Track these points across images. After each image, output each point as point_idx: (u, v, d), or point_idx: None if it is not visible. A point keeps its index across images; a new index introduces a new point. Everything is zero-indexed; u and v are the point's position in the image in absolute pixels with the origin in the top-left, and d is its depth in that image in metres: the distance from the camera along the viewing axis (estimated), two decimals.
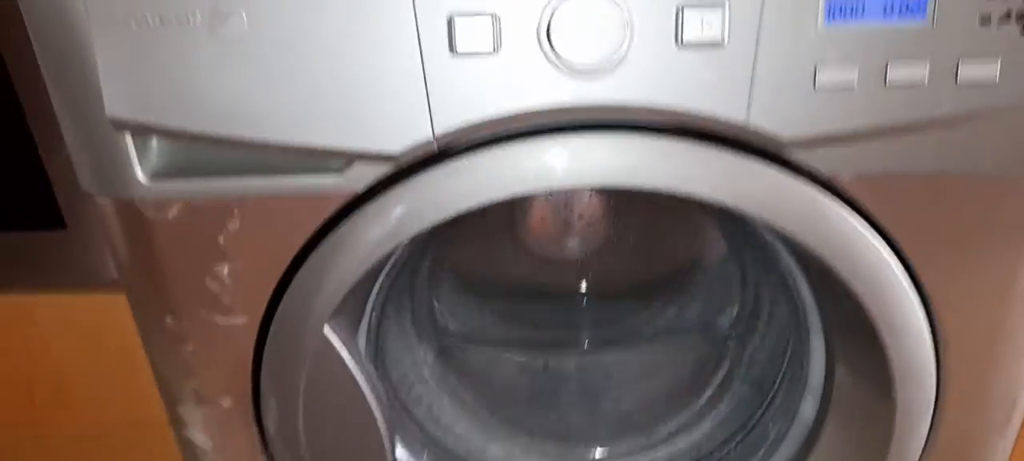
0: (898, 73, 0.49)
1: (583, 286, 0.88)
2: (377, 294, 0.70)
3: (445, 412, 0.84)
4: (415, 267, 0.79)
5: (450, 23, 0.49)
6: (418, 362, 0.83)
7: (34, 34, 0.53)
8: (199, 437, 0.71)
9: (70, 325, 0.75)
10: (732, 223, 0.74)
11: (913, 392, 0.61)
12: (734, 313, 0.83)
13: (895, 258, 0.56)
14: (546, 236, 0.81)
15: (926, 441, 0.65)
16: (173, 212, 0.58)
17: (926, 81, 0.49)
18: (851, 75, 0.49)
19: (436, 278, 0.85)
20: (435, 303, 0.86)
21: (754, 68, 0.49)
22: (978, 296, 0.58)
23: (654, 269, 0.88)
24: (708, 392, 0.84)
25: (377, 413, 0.64)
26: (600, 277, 0.87)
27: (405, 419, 0.80)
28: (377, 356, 0.75)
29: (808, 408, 0.71)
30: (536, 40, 0.49)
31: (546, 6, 0.48)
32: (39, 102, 0.63)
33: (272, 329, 0.62)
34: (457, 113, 0.52)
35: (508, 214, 0.81)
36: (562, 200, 0.78)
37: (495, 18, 0.49)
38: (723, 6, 0.48)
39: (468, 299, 0.88)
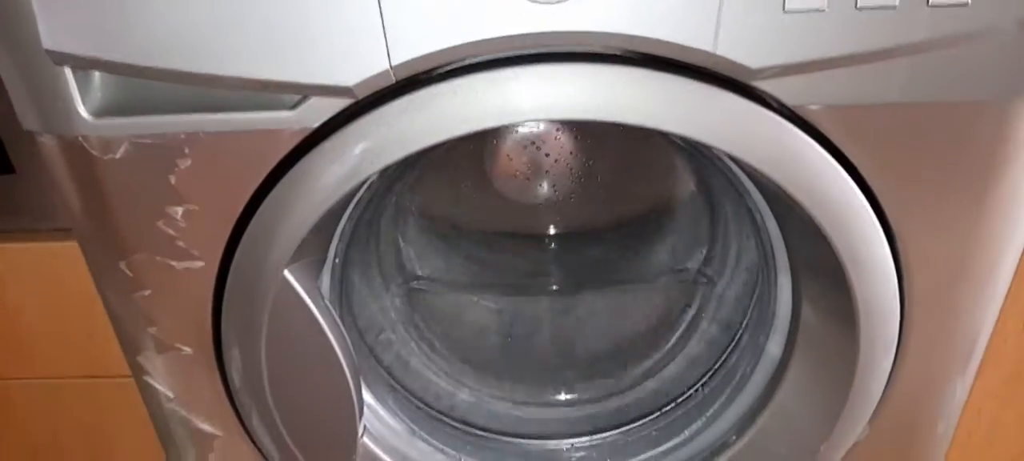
0: None
1: (552, 229, 0.87)
2: (341, 236, 0.68)
3: (413, 357, 0.83)
4: (380, 208, 0.77)
5: None
6: (385, 307, 0.82)
7: None
8: (161, 385, 0.70)
9: (24, 271, 0.72)
10: (701, 161, 0.73)
11: (877, 328, 0.61)
12: (703, 253, 0.82)
13: (861, 192, 0.54)
14: (513, 175, 0.79)
15: (888, 378, 0.65)
16: (120, 151, 0.55)
17: (898, 3, 0.47)
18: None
19: (402, 220, 0.84)
20: (401, 246, 0.84)
21: None
22: (943, 231, 0.57)
23: (623, 210, 0.86)
24: (677, 333, 0.83)
25: (342, 358, 0.63)
26: (569, 219, 0.86)
27: (373, 364, 0.79)
28: (343, 300, 0.73)
29: (774, 347, 0.70)
30: None
31: None
32: None
33: (231, 273, 0.60)
34: (415, 42, 0.49)
35: (474, 152, 0.79)
36: (528, 137, 0.76)
37: None
38: None
39: (435, 242, 0.87)
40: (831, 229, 0.55)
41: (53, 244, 0.70)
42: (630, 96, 0.51)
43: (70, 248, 0.69)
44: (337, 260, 0.69)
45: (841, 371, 0.63)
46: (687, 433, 0.77)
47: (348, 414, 0.66)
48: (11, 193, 0.69)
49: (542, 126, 0.75)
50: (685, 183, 0.82)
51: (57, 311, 0.75)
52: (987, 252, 0.60)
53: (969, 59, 0.50)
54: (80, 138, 0.55)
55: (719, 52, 0.49)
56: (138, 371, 0.69)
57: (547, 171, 0.78)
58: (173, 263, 0.60)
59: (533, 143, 0.76)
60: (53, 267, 0.72)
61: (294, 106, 0.53)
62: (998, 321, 0.75)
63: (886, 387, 0.65)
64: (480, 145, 0.77)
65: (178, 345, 0.66)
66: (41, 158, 0.60)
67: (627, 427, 0.82)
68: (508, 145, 0.76)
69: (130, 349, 0.68)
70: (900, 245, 0.58)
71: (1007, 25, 0.48)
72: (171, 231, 0.59)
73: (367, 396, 0.75)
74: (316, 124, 0.53)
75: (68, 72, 0.52)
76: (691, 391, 0.81)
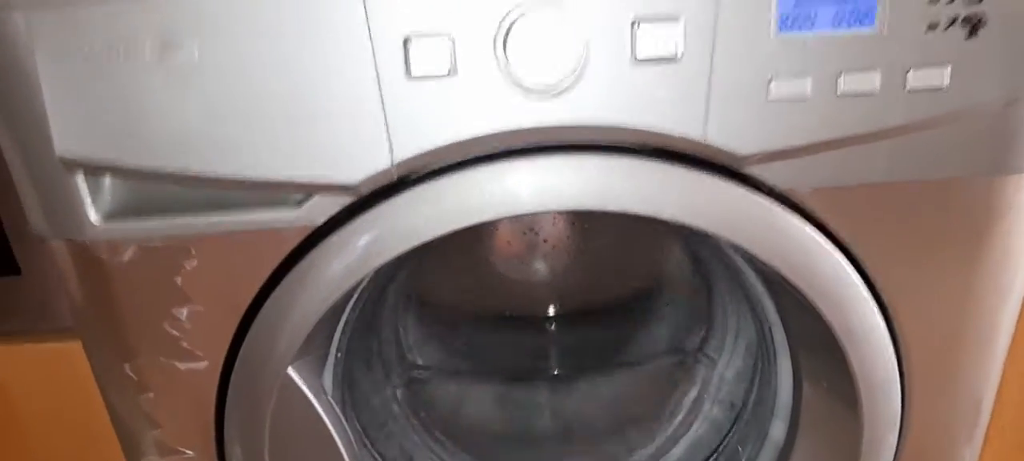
0: (850, 83, 0.49)
1: (550, 311, 0.88)
2: (342, 331, 0.68)
3: (416, 450, 0.82)
4: (379, 300, 0.78)
5: (405, 45, 0.49)
6: (387, 399, 0.81)
7: None
8: None
9: (27, 372, 0.72)
10: (697, 243, 0.74)
11: (878, 403, 0.61)
12: (703, 333, 0.83)
13: (853, 268, 0.56)
14: (511, 261, 0.80)
15: (895, 454, 0.65)
16: (128, 254, 0.56)
17: (878, 89, 0.49)
18: (804, 86, 0.49)
19: (401, 311, 0.84)
20: (401, 336, 0.84)
21: (710, 82, 0.50)
22: (936, 301, 0.59)
23: (622, 292, 0.87)
24: (680, 416, 0.83)
25: (345, 455, 0.62)
26: (568, 303, 0.87)
27: (377, 458, 0.78)
28: (344, 395, 0.73)
29: (778, 429, 0.70)
30: (493, 61, 0.49)
31: (501, 25, 0.48)
32: None
33: (235, 373, 0.61)
34: (416, 139, 0.51)
35: (472, 240, 0.80)
36: (526, 224, 0.77)
37: (451, 39, 0.49)
38: (678, 20, 0.48)
39: (435, 331, 0.87)
40: (825, 306, 0.57)
41: (56, 345, 0.70)
42: (626, 185, 0.52)
43: (73, 349, 0.69)
44: (339, 354, 0.69)
45: (846, 449, 0.63)
46: None
47: None
48: (16, 294, 0.69)
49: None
50: (682, 264, 0.83)
51: (59, 412, 0.74)
52: (982, 318, 0.61)
53: (949, 138, 0.52)
54: (89, 242, 0.56)
55: (709, 140, 0.51)
56: None
57: (544, 255, 0.80)
58: (177, 364, 0.61)
59: (531, 229, 0.77)
60: (56, 368, 0.71)
61: (299, 204, 0.54)
62: (1001, 389, 0.75)
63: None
64: (478, 233, 0.79)
65: (181, 448, 0.65)
66: (49, 260, 0.61)
67: None
68: (505, 231, 0.78)
69: (132, 453, 0.68)
70: (894, 317, 0.59)
71: (982, 106, 0.50)
72: (176, 332, 0.59)
73: None
74: (321, 221, 0.55)
75: (80, 177, 0.53)
76: None
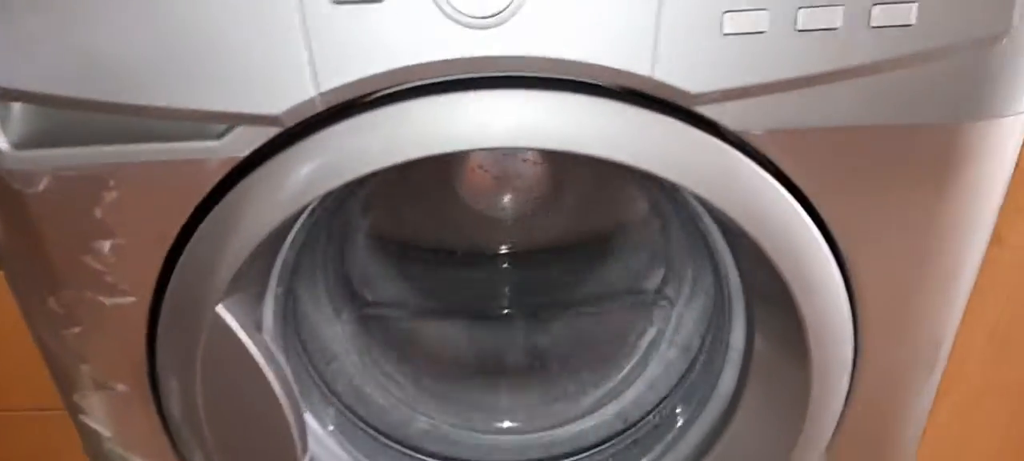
0: (810, 18, 0.46)
1: (505, 250, 0.85)
2: (284, 266, 0.66)
3: (367, 385, 0.81)
4: (328, 234, 0.75)
5: None
6: (337, 334, 0.80)
7: None
8: (98, 424, 0.67)
9: None
10: (654, 183, 0.71)
11: (829, 352, 0.59)
12: (661, 275, 0.81)
13: (808, 215, 0.53)
14: (463, 197, 0.77)
15: (845, 402, 0.63)
16: (43, 184, 0.53)
17: (840, 25, 0.46)
18: (761, 20, 0.46)
19: (351, 245, 0.82)
20: (352, 272, 0.82)
21: (659, 15, 0.46)
22: (895, 250, 0.56)
23: (578, 231, 0.85)
24: (636, 356, 0.81)
25: (280, 393, 0.61)
26: (523, 241, 0.84)
27: (325, 393, 0.77)
28: (288, 330, 0.71)
29: (728, 375, 0.69)
30: None
31: None
32: None
33: (163, 309, 0.58)
34: (341, 68, 0.47)
35: (422, 173, 0.77)
36: (477, 160, 0.74)
37: None
38: None
39: (387, 267, 0.85)
40: (777, 254, 0.54)
41: None
42: (567, 122, 0.49)
43: None
44: (280, 290, 0.67)
45: (794, 399, 0.62)
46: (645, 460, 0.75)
47: (288, 449, 0.63)
48: None
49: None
50: (640, 205, 0.80)
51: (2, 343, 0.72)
52: (942, 268, 0.59)
53: (915, 82, 0.48)
54: (2, 172, 0.52)
55: (657, 76, 0.47)
56: (74, 410, 0.67)
57: (497, 192, 0.76)
58: (103, 299, 0.58)
59: (481, 166, 0.74)
60: None
61: (221, 136, 0.51)
62: (962, 334, 0.74)
63: (842, 412, 0.64)
64: (426, 167, 0.75)
65: (113, 383, 0.64)
66: None
67: (587, 453, 0.80)
68: (455, 166, 0.74)
69: (65, 387, 0.66)
70: (850, 266, 0.57)
71: (952, 46, 0.47)
72: (99, 266, 0.56)
73: (316, 426, 0.73)
74: (244, 153, 0.51)
75: None
76: (649, 416, 0.79)
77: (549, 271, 0.85)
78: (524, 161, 0.75)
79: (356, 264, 0.82)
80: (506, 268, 0.85)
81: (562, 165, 0.77)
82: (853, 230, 0.55)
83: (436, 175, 0.78)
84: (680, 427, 0.73)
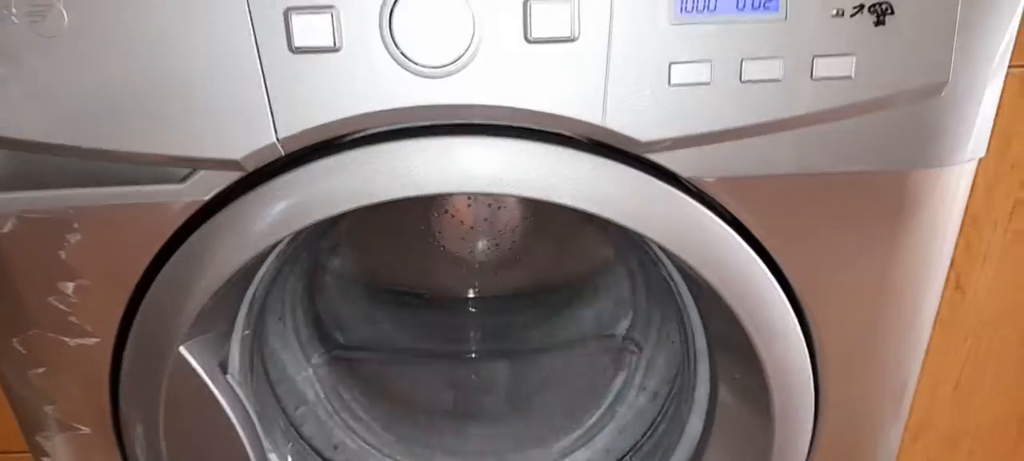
0: (754, 70, 0.47)
1: (473, 294, 0.86)
2: (251, 306, 0.66)
3: (337, 428, 0.81)
4: (295, 275, 0.76)
5: (287, 17, 0.46)
6: (308, 377, 0.80)
7: None
8: None
9: None
10: (620, 231, 0.72)
11: (791, 398, 0.60)
12: (629, 320, 0.81)
13: (762, 261, 0.54)
14: (432, 242, 0.78)
15: (811, 444, 0.64)
16: (8, 226, 0.54)
17: (782, 77, 0.47)
18: (705, 72, 0.47)
19: (319, 287, 0.82)
20: (320, 314, 0.82)
21: (607, 65, 0.47)
22: (851, 294, 0.57)
23: (545, 275, 0.85)
24: (606, 401, 0.82)
25: (243, 437, 0.61)
26: (493, 285, 0.85)
27: (293, 435, 0.76)
28: (256, 372, 0.71)
29: (694, 423, 0.69)
30: (379, 36, 0.47)
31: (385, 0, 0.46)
32: None
33: (127, 350, 0.59)
34: (300, 115, 0.49)
35: (391, 220, 0.78)
36: (442, 205, 0.75)
37: (334, 12, 0.46)
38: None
39: (355, 309, 0.85)
40: (734, 300, 0.55)
41: None
42: (521, 168, 0.50)
43: None
44: (247, 332, 0.67)
45: (759, 448, 0.62)
46: None
47: None
48: None
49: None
50: (607, 251, 0.81)
51: None
52: (899, 311, 0.60)
53: (859, 130, 0.50)
54: None
55: (607, 125, 0.49)
56: (37, 451, 0.66)
57: (466, 235, 0.77)
58: (66, 340, 0.58)
59: (447, 210, 0.75)
60: None
61: (183, 179, 0.52)
62: (928, 384, 0.75)
63: (809, 455, 0.64)
64: (396, 209, 0.76)
65: (76, 424, 0.64)
66: None
67: None
68: (424, 210, 0.76)
69: (28, 428, 0.66)
70: (807, 311, 0.58)
71: (891, 97, 0.48)
72: (63, 307, 0.57)
73: None
74: (207, 197, 0.52)
75: None
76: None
77: (519, 317, 0.85)
78: (490, 206, 0.76)
79: (326, 306, 0.83)
80: (475, 312, 0.86)
81: (530, 211, 0.78)
82: (809, 276, 0.56)
83: (405, 218, 0.79)
84: None
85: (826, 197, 0.53)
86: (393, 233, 0.80)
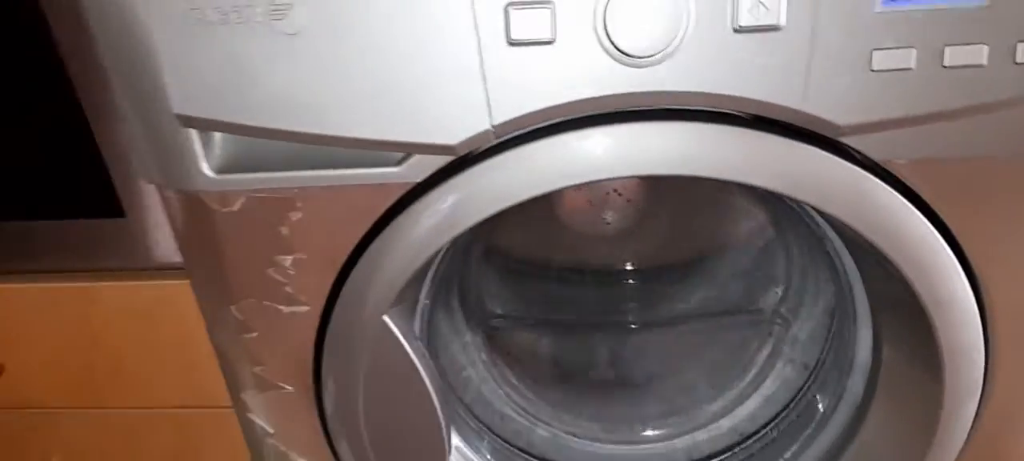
0: (956, 56, 0.49)
1: (628, 266, 0.89)
2: (431, 281, 0.71)
3: (493, 395, 0.86)
4: (464, 252, 0.81)
5: (507, 13, 0.50)
6: (467, 345, 0.85)
7: (98, 32, 0.55)
8: (262, 420, 0.73)
9: (129, 310, 0.77)
10: (778, 203, 0.74)
11: (962, 370, 0.62)
12: (779, 293, 0.83)
13: (944, 239, 0.56)
14: (592, 217, 0.82)
15: (974, 419, 0.65)
16: (238, 204, 0.59)
17: (985, 63, 0.49)
18: (908, 58, 0.49)
19: (484, 262, 0.87)
20: (483, 286, 0.87)
21: (811, 52, 0.50)
22: None
23: (698, 248, 0.88)
24: (751, 372, 0.84)
25: (435, 398, 0.66)
26: (644, 257, 0.88)
27: (454, 403, 0.82)
28: (429, 341, 0.76)
29: (856, 385, 0.71)
30: (592, 29, 0.50)
31: None
32: (95, 96, 0.65)
33: (333, 317, 0.64)
34: (515, 103, 0.52)
35: (556, 196, 0.82)
36: (610, 182, 0.78)
37: (552, 7, 0.50)
38: None
39: (514, 282, 0.89)
40: (915, 277, 0.57)
41: (156, 284, 0.75)
42: (721, 152, 0.53)
43: (171, 288, 0.75)
44: (426, 302, 0.72)
45: (925, 413, 0.64)
46: None
47: (438, 451, 0.69)
48: (121, 235, 0.74)
49: None
50: (763, 225, 0.84)
51: (159, 346, 0.79)
52: None
53: None
54: (200, 193, 0.59)
55: (807, 110, 0.51)
56: (241, 407, 0.73)
57: (624, 211, 0.80)
58: (281, 307, 0.64)
59: (614, 188, 0.78)
60: (156, 305, 0.76)
61: (400, 162, 0.56)
62: None
63: (971, 429, 0.66)
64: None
65: (280, 384, 0.70)
66: (150, 203, 0.68)
67: None
68: (587, 188, 0.79)
69: (234, 387, 0.72)
70: (984, 291, 0.59)
71: None
72: (280, 278, 0.63)
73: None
74: (420, 178, 0.57)
75: (194, 133, 0.57)
76: (765, 430, 0.82)
77: (669, 288, 0.89)
78: (653, 183, 0.79)
79: (488, 279, 0.87)
80: (628, 284, 0.89)
81: (688, 186, 0.81)
82: (988, 254, 0.57)
83: (568, 196, 0.82)
84: (804, 440, 0.76)
85: (1011, 180, 0.54)
86: (552, 209, 0.83)
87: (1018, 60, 0.49)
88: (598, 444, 0.88)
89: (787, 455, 0.77)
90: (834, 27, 0.49)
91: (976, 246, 0.57)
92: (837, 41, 0.49)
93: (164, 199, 0.64)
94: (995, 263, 0.58)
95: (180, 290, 0.74)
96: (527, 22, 0.50)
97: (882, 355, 0.68)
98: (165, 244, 0.73)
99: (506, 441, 0.84)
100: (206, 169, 0.58)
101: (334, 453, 0.73)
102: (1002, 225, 0.56)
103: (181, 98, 0.54)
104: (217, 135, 0.59)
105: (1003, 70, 0.49)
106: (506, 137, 0.55)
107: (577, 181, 0.54)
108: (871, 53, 0.49)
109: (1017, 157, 0.52)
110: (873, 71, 0.50)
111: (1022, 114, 0.51)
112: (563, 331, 0.90)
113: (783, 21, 0.49)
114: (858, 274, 0.68)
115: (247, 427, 0.75)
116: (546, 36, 0.50)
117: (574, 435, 0.87)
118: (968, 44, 0.48)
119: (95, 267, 0.76)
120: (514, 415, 0.86)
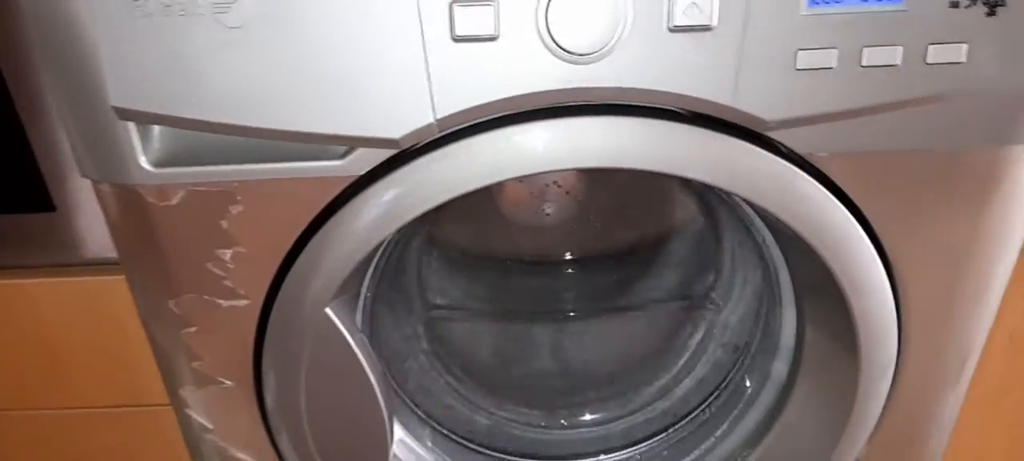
0: (874, 56, 0.52)
1: (567, 257, 0.91)
2: (373, 273, 0.72)
3: (433, 386, 0.87)
4: (405, 244, 0.81)
5: (451, 9, 0.51)
6: (408, 337, 0.86)
7: (32, 21, 0.53)
8: (201, 416, 0.73)
9: (62, 304, 0.75)
10: (709, 193, 0.78)
11: (876, 351, 0.66)
12: (710, 280, 0.87)
13: (862, 227, 0.59)
14: (530, 208, 0.83)
15: (888, 396, 0.70)
16: (176, 199, 0.59)
17: (899, 63, 0.52)
18: (830, 58, 0.52)
19: (425, 254, 0.88)
20: (425, 278, 0.88)
21: (740, 52, 0.52)
22: (937, 260, 0.63)
23: (635, 238, 0.91)
24: (685, 356, 0.88)
25: (378, 389, 0.66)
26: (583, 248, 0.90)
27: (397, 394, 0.82)
28: (371, 333, 0.77)
29: (780, 368, 0.75)
30: (535, 26, 0.52)
31: None
32: (26, 86, 0.63)
33: (274, 311, 0.64)
34: (458, 97, 0.53)
35: (494, 188, 0.83)
36: (547, 174, 0.80)
37: (495, 5, 0.51)
38: None
39: (455, 273, 0.91)
40: (835, 263, 0.60)
41: (89, 279, 0.74)
42: (656, 146, 0.55)
43: (105, 283, 0.73)
44: (368, 294, 0.73)
45: (843, 390, 0.68)
46: (697, 452, 0.81)
47: (380, 443, 0.69)
48: (52, 230, 0.72)
49: None
50: (694, 215, 0.87)
51: (92, 343, 0.78)
52: (978, 277, 0.65)
53: (960, 111, 0.55)
54: (138, 187, 0.58)
55: (737, 106, 0.54)
56: (179, 404, 0.72)
57: (560, 202, 0.82)
58: (220, 301, 0.64)
59: (554, 182, 0.80)
60: (89, 301, 0.75)
61: (343, 155, 0.57)
62: (988, 342, 0.80)
63: (885, 405, 0.70)
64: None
65: (220, 379, 0.69)
66: (82, 197, 0.67)
67: (639, 447, 0.86)
68: (528, 180, 0.81)
69: (172, 383, 0.71)
70: (897, 273, 0.63)
71: (996, 82, 0.53)
72: (219, 272, 0.62)
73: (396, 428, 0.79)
74: (363, 171, 0.57)
75: (132, 127, 0.56)
76: (698, 411, 0.85)
77: (605, 276, 0.91)
78: (588, 174, 0.81)
79: (428, 269, 0.88)
80: (565, 274, 0.91)
81: (622, 178, 0.84)
82: (901, 241, 0.61)
83: (506, 188, 0.83)
84: (733, 419, 0.79)
85: (924, 170, 0.58)
86: (490, 201, 0.85)
87: (929, 61, 0.52)
88: (538, 430, 0.90)
89: (717, 433, 0.80)
90: (763, 28, 0.52)
91: (891, 235, 0.61)
92: (765, 41, 0.52)
93: (99, 193, 0.62)
94: (908, 251, 0.62)
95: (114, 285, 0.73)
96: (471, 19, 0.51)
97: (805, 337, 0.71)
98: (99, 239, 0.71)
99: (448, 430, 0.86)
100: (144, 163, 0.57)
101: (275, 448, 0.73)
102: (915, 216, 0.60)
103: (119, 91, 0.53)
104: (156, 128, 0.58)
105: (915, 70, 0.52)
106: (449, 131, 0.56)
107: (518, 174, 0.55)
108: (796, 53, 0.52)
109: (927, 152, 0.56)
110: (798, 70, 0.53)
111: (933, 111, 0.54)
112: (503, 321, 0.92)
113: (715, 22, 0.51)
114: (783, 260, 0.71)
115: (185, 424, 0.74)
116: (489, 32, 0.52)
117: (515, 422, 0.89)
118: (884, 45, 0.52)
119: (25, 264, 0.74)
120: (455, 404, 0.87)
